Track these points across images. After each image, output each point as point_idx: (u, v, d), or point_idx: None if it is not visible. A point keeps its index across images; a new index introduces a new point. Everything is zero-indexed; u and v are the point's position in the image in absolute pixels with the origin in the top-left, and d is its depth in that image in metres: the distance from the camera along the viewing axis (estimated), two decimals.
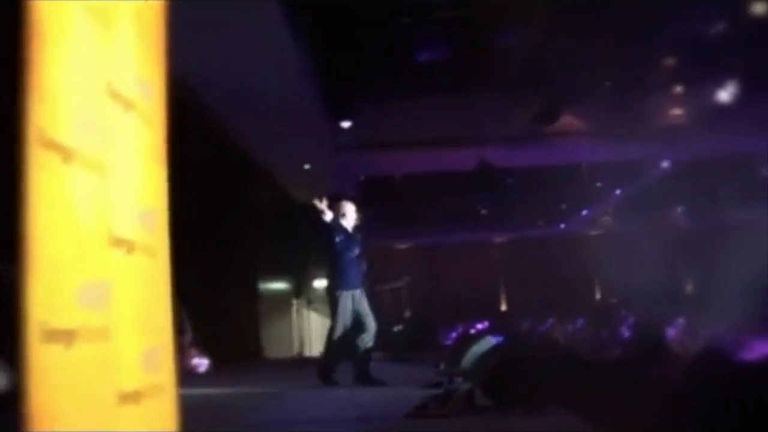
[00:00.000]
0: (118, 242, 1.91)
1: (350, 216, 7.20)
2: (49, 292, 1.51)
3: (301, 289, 14.22)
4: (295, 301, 13.91)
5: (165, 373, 2.18)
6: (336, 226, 6.94)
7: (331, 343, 6.86)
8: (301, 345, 13.76)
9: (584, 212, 18.81)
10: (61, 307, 1.56)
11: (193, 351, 9.14)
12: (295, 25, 8.77)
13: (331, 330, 6.81)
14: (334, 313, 6.88)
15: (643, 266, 15.00)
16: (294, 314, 14.06)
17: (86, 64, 1.78)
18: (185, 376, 8.22)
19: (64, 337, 1.55)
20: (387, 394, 5.91)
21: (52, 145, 1.56)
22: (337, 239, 6.94)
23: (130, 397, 1.88)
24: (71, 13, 1.70)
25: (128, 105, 2.04)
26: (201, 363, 9.02)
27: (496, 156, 12.69)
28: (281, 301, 14.11)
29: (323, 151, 12.27)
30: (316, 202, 6.88)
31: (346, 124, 11.53)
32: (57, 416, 1.48)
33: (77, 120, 1.70)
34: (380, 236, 20.68)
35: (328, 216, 6.83)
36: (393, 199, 17.72)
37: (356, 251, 7.08)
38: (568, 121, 12.44)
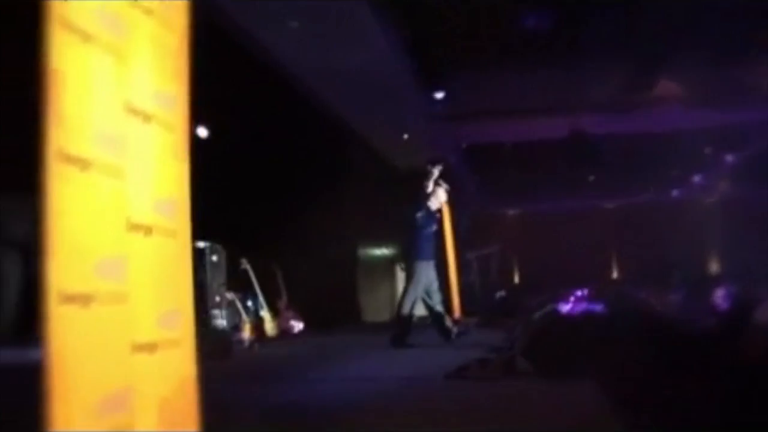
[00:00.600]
0: (136, 227, 2.47)
1: (439, 197, 8.03)
2: (67, 265, 2.07)
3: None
4: (397, 267, 14.50)
5: (182, 330, 2.73)
6: (421, 203, 7.70)
7: (402, 309, 7.44)
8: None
9: (696, 179, 18.30)
10: (79, 276, 2.12)
11: (288, 313, 9.91)
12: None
13: (404, 296, 7.41)
14: (409, 281, 7.50)
15: (756, 235, 14.58)
16: (396, 280, 14.66)
17: (103, 91, 2.32)
18: (281, 334, 9.06)
19: (81, 299, 2.11)
20: (448, 356, 6.36)
21: (70, 159, 2.11)
22: (419, 215, 7.65)
23: (144, 347, 2.45)
24: (88, 53, 2.24)
25: (147, 117, 2.58)
26: (295, 325, 9.78)
27: (593, 124, 12.69)
28: (384, 267, 14.74)
29: (420, 121, 12.68)
30: (430, 167, 7.92)
31: (439, 95, 11.89)
32: (73, 360, 2.05)
33: (95, 136, 2.25)
34: (488, 202, 20.97)
35: (430, 187, 7.77)
36: (498, 166, 17.88)
37: (434, 227, 7.91)
38: (666, 87, 12.27)
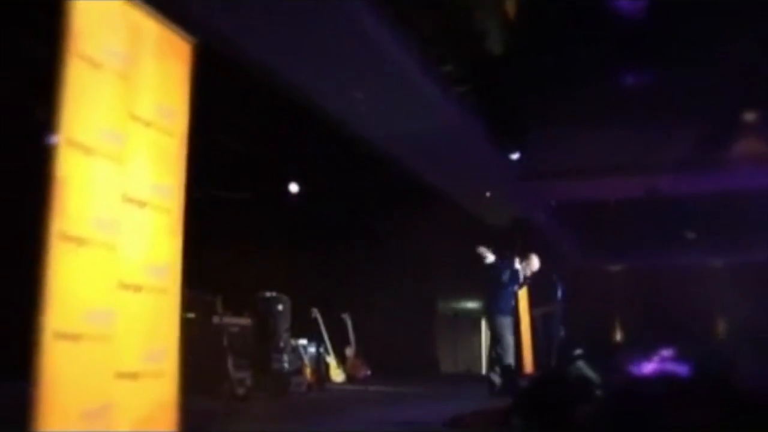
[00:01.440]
0: (127, 286, 3.38)
1: (532, 265, 9.03)
2: (61, 312, 2.99)
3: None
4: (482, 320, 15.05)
5: (166, 364, 3.61)
6: (504, 264, 8.64)
7: (502, 359, 8.16)
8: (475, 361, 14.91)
9: None
10: (70, 320, 3.04)
11: (356, 361, 10.72)
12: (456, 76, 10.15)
13: (497, 348, 8.17)
14: (497, 334, 8.26)
15: None
16: (478, 333, 15.18)
17: (102, 187, 3.27)
18: (348, 380, 9.87)
19: (71, 337, 3.02)
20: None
21: (69, 238, 3.05)
22: (504, 276, 8.51)
23: (126, 375, 3.34)
24: (89, 162, 3.19)
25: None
26: (362, 372, 10.57)
27: (672, 182, 12.91)
28: (465, 320, 15.32)
29: (499, 180, 13.29)
30: (480, 250, 8.81)
31: (514, 156, 12.54)
32: (61, 381, 2.96)
33: (91, 220, 3.19)
34: (587, 258, 21.12)
35: (490, 259, 8.65)
36: (596, 223, 18.07)
37: (516, 286, 8.86)
38: (749, 144, 12.37)
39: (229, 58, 7.30)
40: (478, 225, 15.30)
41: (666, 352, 16.69)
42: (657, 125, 12.60)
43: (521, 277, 9.10)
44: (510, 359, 8.17)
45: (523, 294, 12.55)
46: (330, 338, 10.32)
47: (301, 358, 9.16)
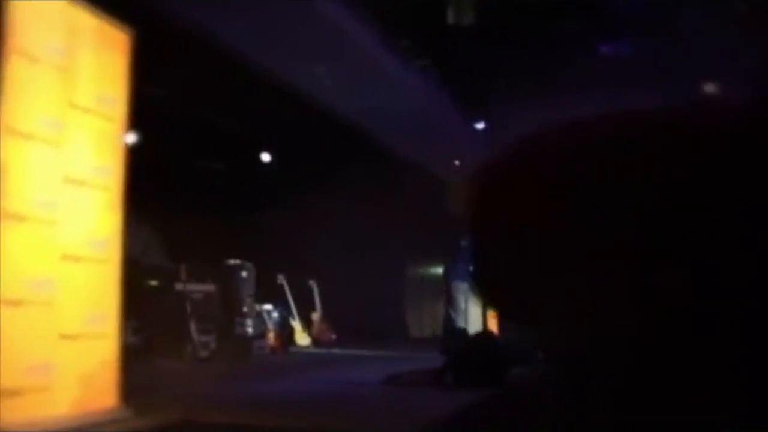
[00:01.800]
0: (68, 257, 3.80)
1: None
2: (5, 279, 3.41)
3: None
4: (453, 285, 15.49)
5: (108, 327, 4.04)
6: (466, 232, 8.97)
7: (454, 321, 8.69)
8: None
9: None
10: (12, 288, 3.46)
11: (321, 325, 11.21)
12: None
13: (450, 310, 8.67)
14: (451, 297, 8.74)
15: None
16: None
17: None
18: (314, 344, 10.35)
19: (15, 303, 3.45)
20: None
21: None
22: (464, 243, 8.89)
23: (69, 337, 3.76)
24: (29, 147, 3.59)
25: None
26: (327, 335, 11.05)
27: None
28: (436, 285, 15.77)
29: (466, 149, 13.68)
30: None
31: (480, 126, 12.94)
32: (6, 341, 3.38)
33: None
34: None
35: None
36: None
37: None
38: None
39: (200, 38, 7.73)
40: (450, 192, 15.71)
41: None
42: (626, 97, 13.01)
43: None
44: (461, 322, 8.66)
45: None
46: (296, 304, 10.78)
47: (264, 323, 9.63)
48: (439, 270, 16.42)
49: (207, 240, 9.92)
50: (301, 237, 11.98)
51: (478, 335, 6.23)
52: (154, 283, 7.77)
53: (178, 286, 8.27)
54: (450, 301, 8.87)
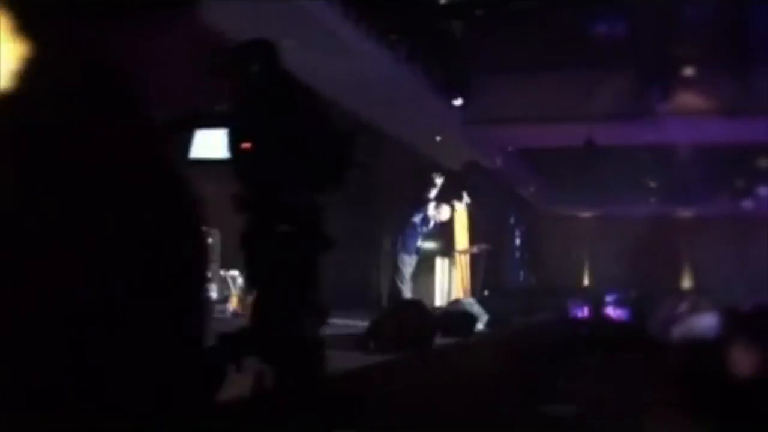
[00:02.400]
0: None
1: (442, 214, 9.58)
2: None
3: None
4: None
5: None
6: (417, 208, 9.28)
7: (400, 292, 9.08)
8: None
9: (762, 190, 18.43)
10: None
11: None
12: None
13: (397, 281, 9.03)
14: (397, 268, 9.08)
15: None
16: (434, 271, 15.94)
17: None
18: None
19: None
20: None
21: None
22: (416, 217, 9.19)
23: None
24: None
25: None
26: None
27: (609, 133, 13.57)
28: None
29: (443, 125, 13.96)
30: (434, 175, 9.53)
31: (458, 103, 13.20)
32: None
33: None
34: (554, 205, 21.80)
35: (435, 189, 9.35)
36: (563, 170, 18.73)
37: (424, 229, 9.89)
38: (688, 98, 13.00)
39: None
40: (429, 167, 15.99)
41: (609, 298, 17.56)
42: (602, 70, 13.26)
43: (431, 223, 9.76)
44: (408, 293, 9.01)
45: (463, 231, 13.35)
46: None
47: (229, 288, 10.05)
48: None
49: None
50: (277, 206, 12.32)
51: (399, 303, 6.55)
52: None
53: None
54: (396, 273, 9.22)
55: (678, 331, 9.69)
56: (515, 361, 10.11)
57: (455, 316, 7.85)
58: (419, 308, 6.55)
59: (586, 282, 23.09)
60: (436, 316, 7.47)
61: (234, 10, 8.41)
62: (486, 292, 12.58)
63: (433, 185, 10.52)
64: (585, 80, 13.13)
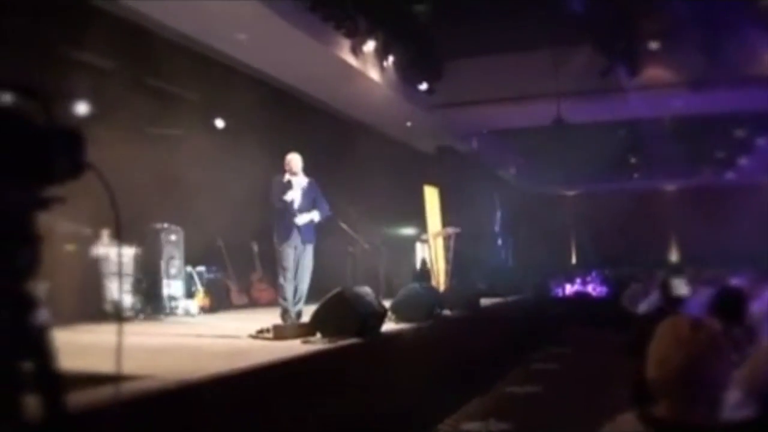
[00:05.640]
0: None
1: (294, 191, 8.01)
2: None
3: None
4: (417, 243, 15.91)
5: None
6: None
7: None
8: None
9: (743, 161, 18.61)
10: None
11: (260, 285, 11.82)
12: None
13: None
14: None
15: None
16: (415, 256, 16.13)
17: None
18: (252, 303, 10.93)
19: None
20: None
21: None
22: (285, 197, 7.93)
23: None
24: None
25: None
26: (267, 296, 11.65)
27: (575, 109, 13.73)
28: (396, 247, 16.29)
29: (412, 109, 14.11)
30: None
31: (423, 87, 13.37)
32: None
33: None
34: (536, 184, 21.97)
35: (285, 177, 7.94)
36: (541, 148, 18.85)
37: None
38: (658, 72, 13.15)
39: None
40: (404, 152, 16.18)
41: (593, 275, 17.77)
42: (570, 50, 13.41)
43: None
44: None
45: (435, 215, 13.51)
46: (237, 265, 11.39)
47: (195, 284, 10.26)
48: (399, 231, 16.98)
49: (145, 204, 10.47)
50: (243, 200, 12.46)
51: (335, 293, 6.71)
52: (70, 247, 8.39)
53: (101, 250, 8.90)
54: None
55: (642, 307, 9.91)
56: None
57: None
58: (349, 298, 6.62)
59: (571, 261, 23.33)
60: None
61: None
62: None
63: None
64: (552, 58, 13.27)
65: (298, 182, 8.10)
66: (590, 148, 17.58)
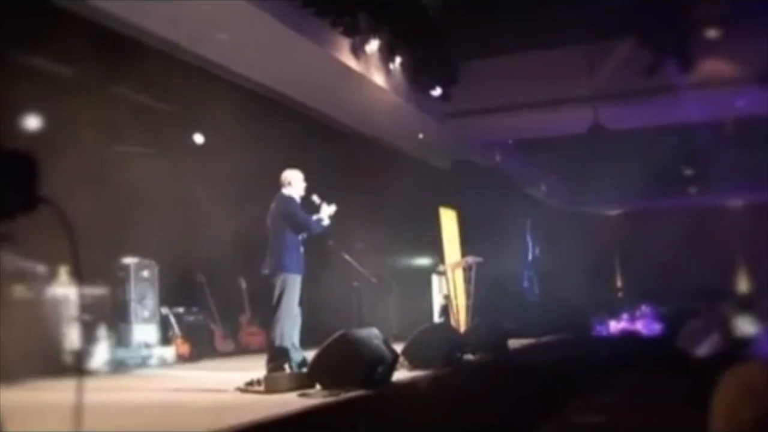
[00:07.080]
0: None
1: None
2: None
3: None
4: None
5: None
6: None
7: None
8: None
9: None
10: None
11: (250, 329, 11.78)
12: None
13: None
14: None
15: None
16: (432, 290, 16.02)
17: None
18: (241, 349, 10.87)
19: None
20: None
21: None
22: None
23: None
24: None
25: None
26: (257, 340, 11.60)
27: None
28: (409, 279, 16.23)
29: (424, 120, 14.14)
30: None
31: (436, 92, 13.39)
32: None
33: None
34: (572, 201, 21.90)
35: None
36: (578, 161, 18.79)
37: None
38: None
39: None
40: (416, 168, 16.16)
41: (644, 309, 17.63)
42: (608, 45, 13.43)
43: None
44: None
45: (453, 243, 13.45)
46: (222, 305, 11.35)
47: (172, 328, 10.22)
48: (413, 261, 16.93)
49: (109, 236, 10.43)
50: (227, 228, 12.44)
51: (337, 337, 6.67)
52: (19, 289, 8.34)
53: (59, 291, 8.84)
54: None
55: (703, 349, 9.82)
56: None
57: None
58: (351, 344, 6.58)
59: (616, 293, 23.20)
60: None
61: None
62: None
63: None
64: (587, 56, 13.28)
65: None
66: (635, 160, 17.53)
